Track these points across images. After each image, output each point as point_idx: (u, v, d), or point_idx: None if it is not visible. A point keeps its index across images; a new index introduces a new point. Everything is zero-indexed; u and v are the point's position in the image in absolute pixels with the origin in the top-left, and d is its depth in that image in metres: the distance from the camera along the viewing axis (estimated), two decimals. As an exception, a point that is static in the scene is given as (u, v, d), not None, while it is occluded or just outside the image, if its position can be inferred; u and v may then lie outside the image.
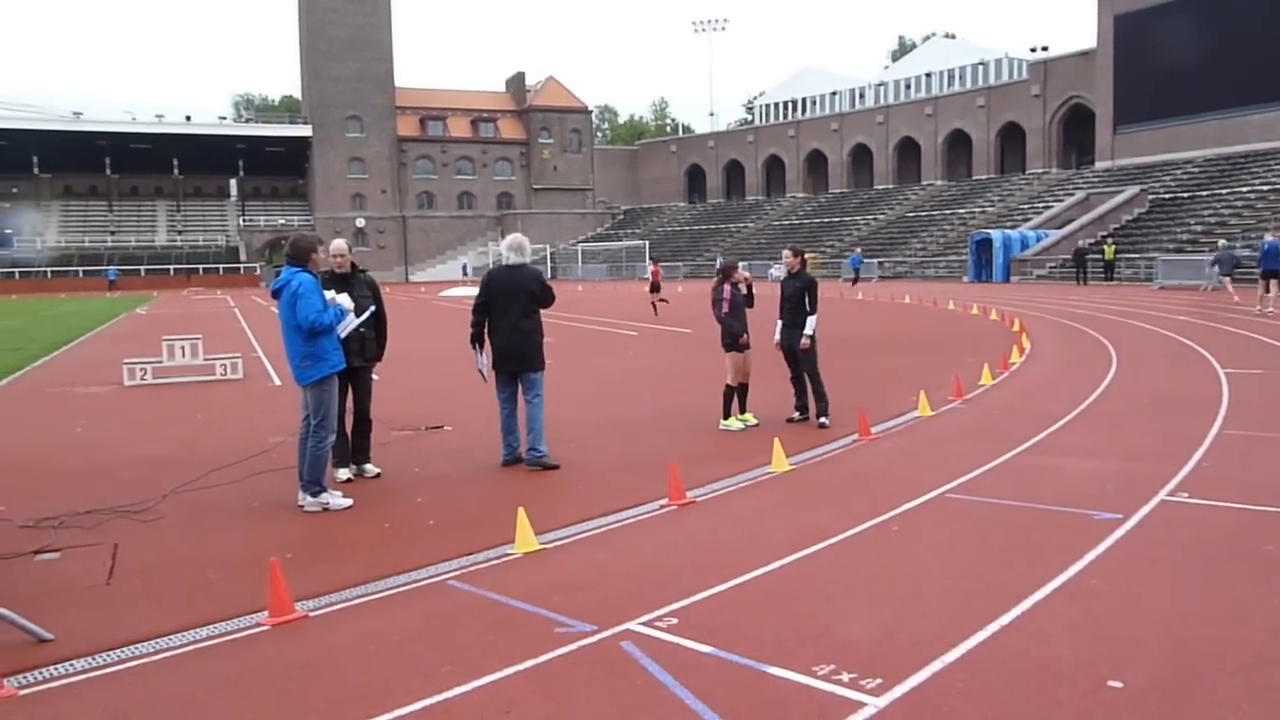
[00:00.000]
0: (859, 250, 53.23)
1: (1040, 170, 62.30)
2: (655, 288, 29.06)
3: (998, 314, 23.06)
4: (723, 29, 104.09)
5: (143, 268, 71.95)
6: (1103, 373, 12.80)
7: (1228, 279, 26.59)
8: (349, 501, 6.85)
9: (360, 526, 6.42)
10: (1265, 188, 43.37)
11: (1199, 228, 42.05)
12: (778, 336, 9.98)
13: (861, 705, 3.59)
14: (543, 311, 8.06)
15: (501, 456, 8.08)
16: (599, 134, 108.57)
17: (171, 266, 72.06)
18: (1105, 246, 40.74)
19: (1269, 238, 22.73)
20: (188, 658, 4.31)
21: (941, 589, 4.87)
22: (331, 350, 6.83)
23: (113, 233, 77.74)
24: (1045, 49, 66.70)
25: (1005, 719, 3.46)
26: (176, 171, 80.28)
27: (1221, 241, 31.48)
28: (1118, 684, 3.70)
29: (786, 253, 10.07)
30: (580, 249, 79.18)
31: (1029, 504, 6.40)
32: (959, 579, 5.01)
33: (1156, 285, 34.85)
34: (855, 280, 44.96)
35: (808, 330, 9.60)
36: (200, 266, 71.95)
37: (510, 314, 7.86)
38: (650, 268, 30.92)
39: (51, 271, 69.91)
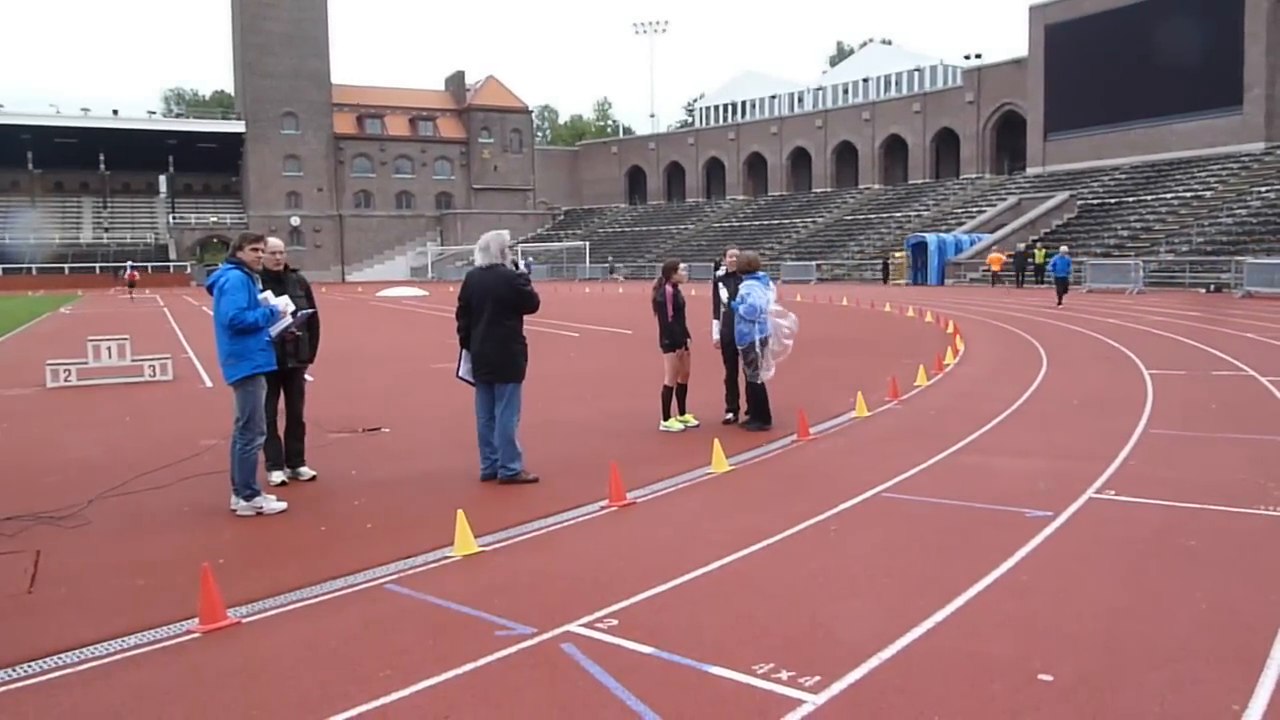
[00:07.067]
0: (1064, 249, 32.08)
1: (974, 175, 63.64)
2: (131, 285, 47.76)
3: (932, 316, 23.47)
4: (663, 31, 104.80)
5: (67, 265, 69.67)
6: (1034, 374, 13.11)
7: None
8: (283, 505, 6.72)
9: (295, 530, 6.30)
10: (1188, 194, 44.85)
11: (1125, 233, 43.35)
12: (715, 336, 10.06)
13: (800, 703, 3.62)
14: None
15: (480, 470, 7.53)
16: (539, 134, 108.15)
17: (98, 265, 69.82)
18: (1036, 250, 41.69)
19: None
20: (114, 667, 4.18)
21: (878, 587, 4.94)
22: (257, 350, 6.68)
23: (35, 230, 75.16)
24: (979, 56, 68.10)
25: (940, 714, 3.52)
26: (103, 167, 77.90)
27: None
28: (1048, 677, 3.79)
29: (732, 251, 10.15)
30: (520, 250, 78.81)
31: (963, 502, 6.53)
32: (895, 577, 5.08)
33: (1085, 288, 35.76)
34: (1062, 289, 29.06)
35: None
36: (128, 264, 69.90)
37: (482, 319, 7.33)
38: (129, 271, 50.61)
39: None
